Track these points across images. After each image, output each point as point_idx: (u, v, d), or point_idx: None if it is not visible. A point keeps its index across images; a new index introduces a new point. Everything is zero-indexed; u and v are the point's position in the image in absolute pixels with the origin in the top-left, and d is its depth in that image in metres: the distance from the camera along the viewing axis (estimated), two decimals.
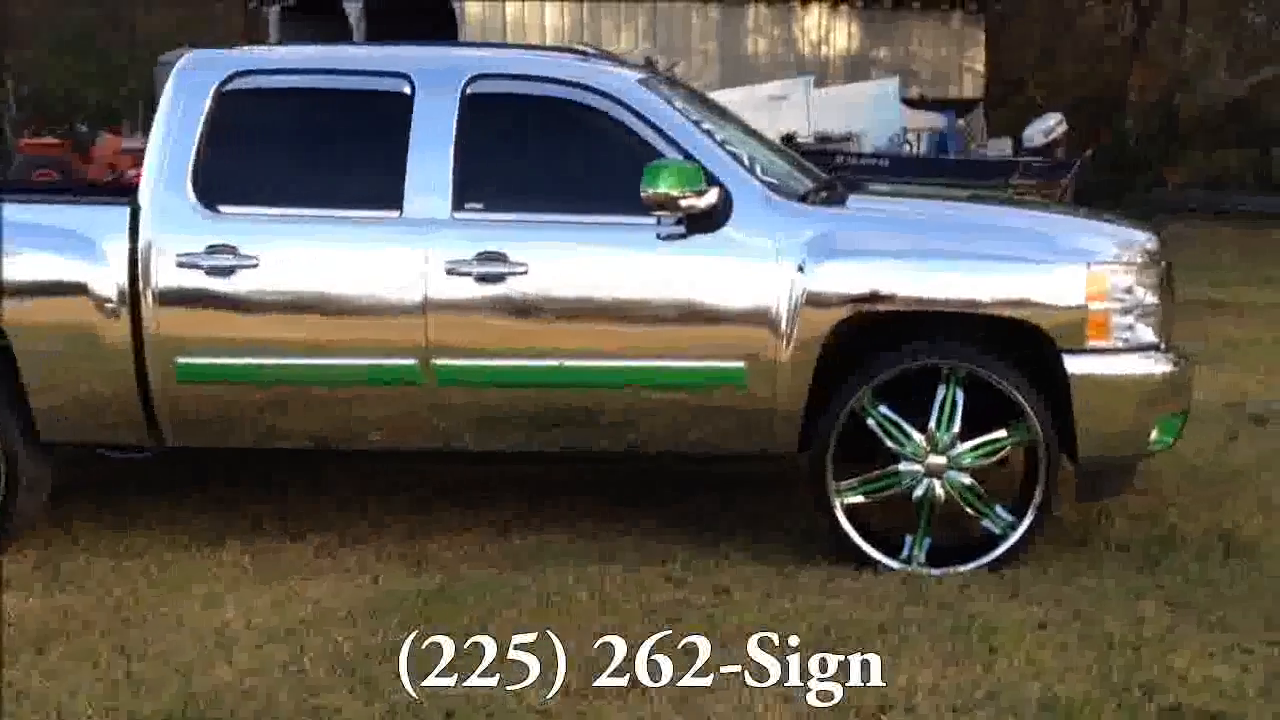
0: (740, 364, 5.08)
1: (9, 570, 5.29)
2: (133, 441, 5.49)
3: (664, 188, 4.90)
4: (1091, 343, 5.01)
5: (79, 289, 5.27)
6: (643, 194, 4.90)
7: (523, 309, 5.15)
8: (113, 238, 5.27)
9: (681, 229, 5.09)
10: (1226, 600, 4.74)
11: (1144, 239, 5.26)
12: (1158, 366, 5.10)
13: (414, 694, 4.03)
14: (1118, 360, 5.03)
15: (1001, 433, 5.10)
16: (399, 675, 4.16)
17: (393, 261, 5.20)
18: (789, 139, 18.43)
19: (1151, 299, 5.11)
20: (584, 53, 5.68)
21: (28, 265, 5.31)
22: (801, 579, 5.02)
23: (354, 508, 6.04)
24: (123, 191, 5.49)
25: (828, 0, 25.99)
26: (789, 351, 5.04)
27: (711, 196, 5.04)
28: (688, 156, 5.13)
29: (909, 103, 23.89)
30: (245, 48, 5.73)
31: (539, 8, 24.15)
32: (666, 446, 5.30)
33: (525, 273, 5.14)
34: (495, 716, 3.92)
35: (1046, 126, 20.57)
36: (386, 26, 25.93)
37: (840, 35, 26.60)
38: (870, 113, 20.95)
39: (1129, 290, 5.05)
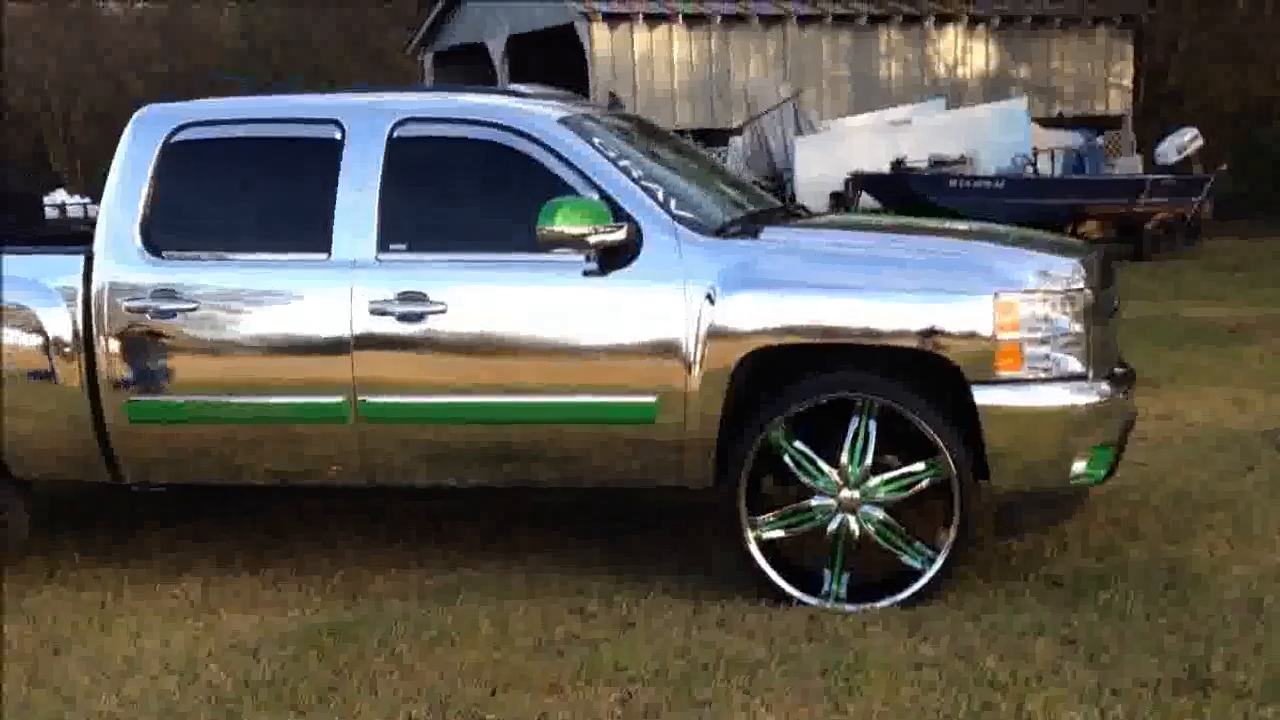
0: (651, 398, 5.08)
1: None
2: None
3: (559, 225, 4.94)
4: (1002, 373, 4.87)
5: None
6: (537, 231, 4.96)
7: (440, 347, 5.25)
8: (67, 282, 5.54)
9: (593, 265, 5.12)
10: (1131, 638, 4.54)
11: (1067, 266, 5.08)
12: (1080, 397, 4.93)
13: None
14: (1032, 391, 4.88)
15: (919, 466, 4.99)
16: (263, 712, 4.25)
17: (320, 302, 5.34)
18: (897, 164, 18.22)
19: (1075, 327, 4.94)
20: (517, 93, 5.75)
21: None
22: (712, 613, 4.97)
23: (323, 539, 6.19)
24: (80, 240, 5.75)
25: (963, 20, 25.57)
26: (698, 384, 5.03)
27: (620, 233, 5.07)
28: (602, 193, 5.17)
29: (1045, 122, 23.37)
30: (196, 101, 5.93)
31: (667, 38, 24.30)
32: (583, 480, 5.34)
33: (443, 311, 5.23)
34: None
35: (1181, 142, 19.89)
36: (525, 64, 26.51)
37: (977, 55, 26.13)
38: (996, 134, 20.53)
39: (1045, 319, 4.90)
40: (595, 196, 5.15)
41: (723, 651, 4.57)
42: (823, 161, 19.85)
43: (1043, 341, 4.90)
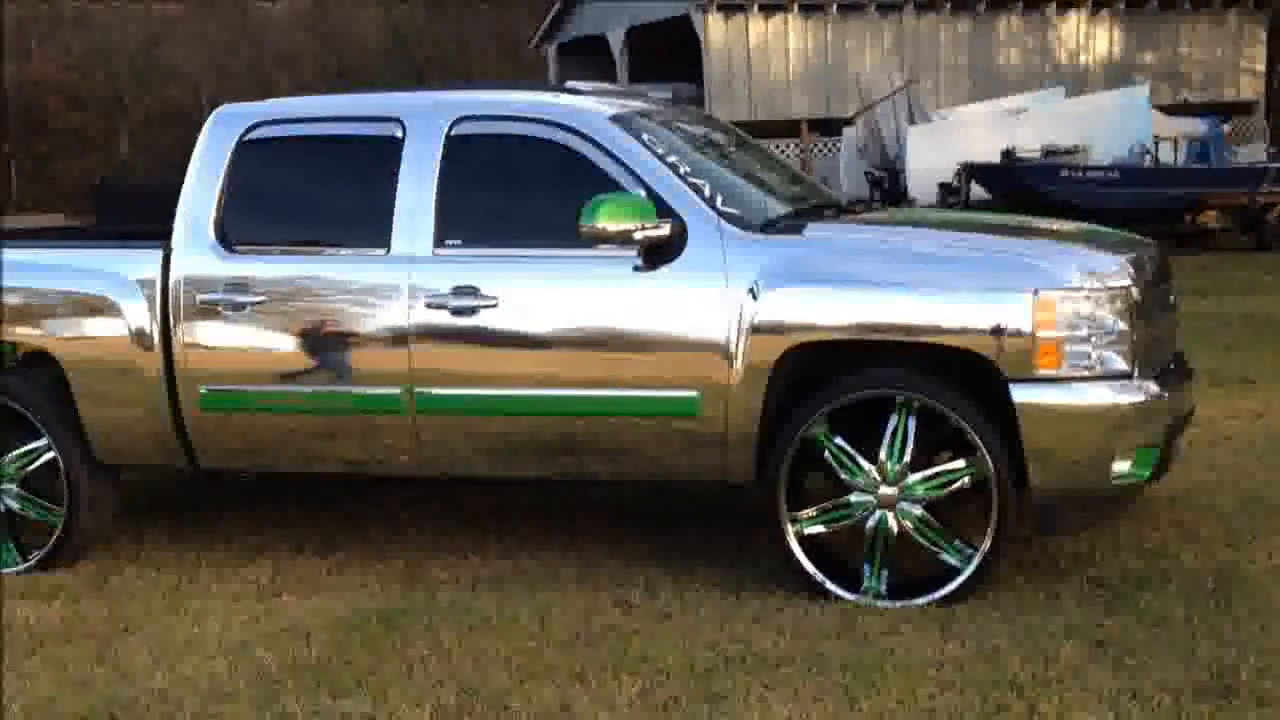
0: (694, 393, 5.16)
1: (61, 579, 5.84)
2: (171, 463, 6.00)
3: (601, 222, 5.04)
4: (1041, 371, 4.85)
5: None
6: (580, 227, 5.06)
7: (490, 340, 5.38)
8: (147, 275, 5.79)
9: (638, 260, 5.20)
10: (1164, 642, 4.50)
11: (1111, 263, 5.04)
12: (1122, 396, 4.88)
13: (298, 712, 4.28)
14: (1073, 389, 4.85)
15: (959, 464, 4.99)
16: (302, 695, 4.41)
17: (379, 296, 5.51)
18: (1007, 154, 17.98)
19: (1119, 325, 4.90)
20: (574, 90, 5.85)
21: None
22: (750, 608, 5.04)
23: (393, 526, 6.37)
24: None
25: (1087, 6, 25.08)
26: (740, 379, 5.09)
27: (664, 229, 5.15)
28: (649, 190, 5.25)
29: (1170, 109, 22.86)
30: (271, 100, 6.14)
31: (782, 28, 24.25)
32: (629, 474, 5.44)
33: (495, 305, 5.36)
34: None
35: None
36: (643, 55, 26.68)
37: (1100, 41, 25.64)
38: (1115, 122, 20.17)
39: (1087, 317, 4.86)
40: (642, 193, 5.24)
41: (751, 646, 4.64)
42: (935, 151, 19.70)
43: (1084, 340, 4.87)
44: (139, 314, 5.79)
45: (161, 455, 5.94)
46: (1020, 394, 4.84)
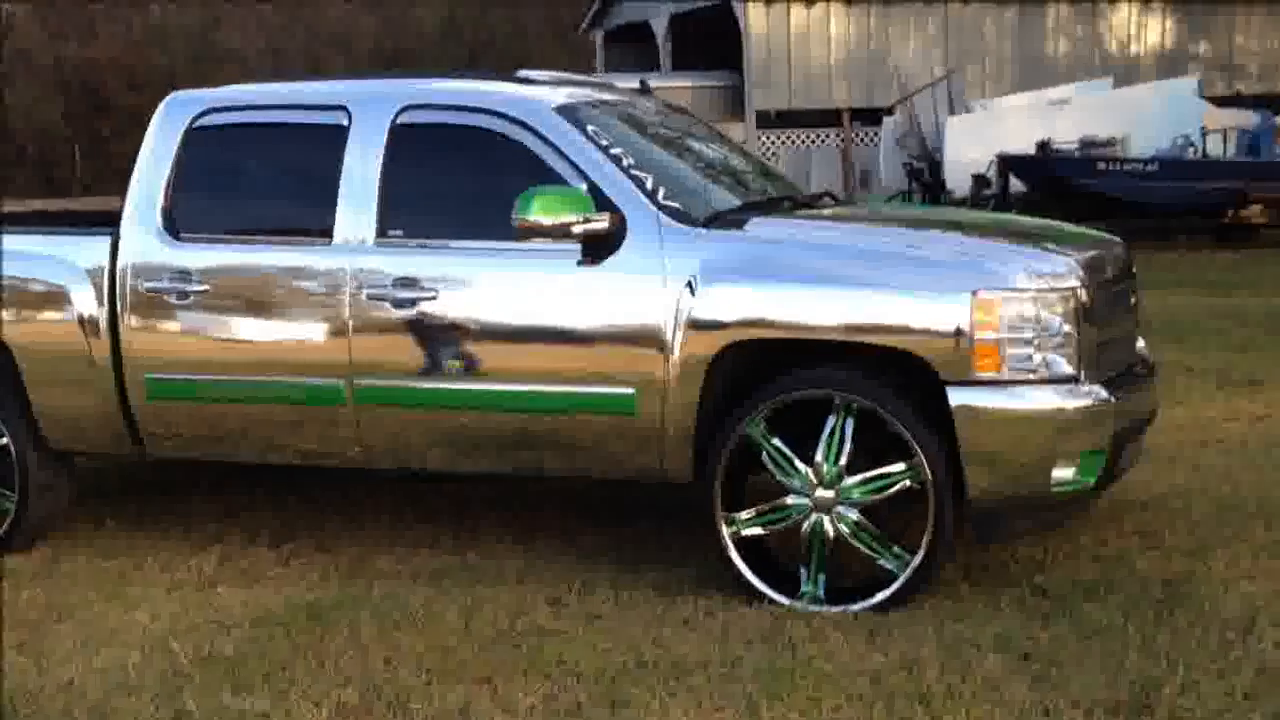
0: (631, 389, 5.05)
1: (12, 564, 5.83)
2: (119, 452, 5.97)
3: (533, 215, 4.94)
4: (979, 374, 4.69)
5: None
6: (513, 220, 4.96)
7: (428, 332, 5.29)
8: (96, 262, 5.74)
9: (578, 254, 5.10)
10: (1095, 655, 4.34)
11: (1058, 264, 4.87)
12: (1064, 400, 4.72)
13: (195, 709, 4.21)
14: (1012, 393, 4.69)
15: (896, 467, 4.84)
16: (205, 690, 4.35)
17: (320, 286, 5.43)
18: (1043, 145, 17.67)
19: (1064, 328, 4.74)
20: (527, 80, 5.74)
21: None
22: (683, 611, 4.92)
23: (351, 516, 6.32)
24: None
25: None
26: (676, 376, 4.97)
27: (602, 222, 5.04)
28: (589, 182, 5.14)
29: (1222, 100, 22.39)
30: (224, 87, 6.07)
31: (824, 16, 23.99)
32: (568, 471, 5.35)
33: (434, 298, 5.27)
34: None
35: None
36: (686, 42, 26.54)
37: (1152, 32, 25.18)
38: (1161, 114, 19.76)
39: (1030, 319, 4.70)
40: (583, 185, 5.13)
41: (671, 650, 4.53)
42: (975, 142, 19.41)
43: (1027, 342, 4.70)
44: (87, 301, 5.75)
45: (110, 443, 5.91)
46: (957, 397, 4.69)
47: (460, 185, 5.48)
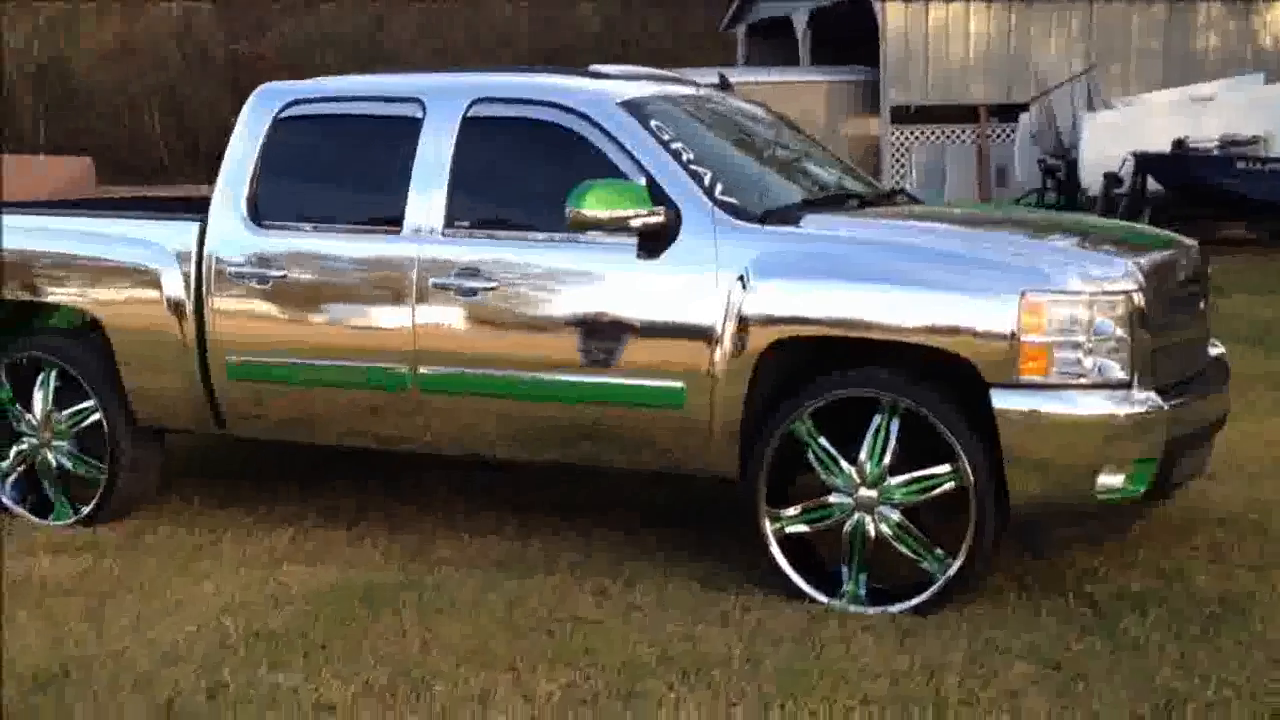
0: (681, 383, 5.08)
1: (98, 535, 6.07)
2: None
3: (586, 207, 4.99)
4: (1025, 377, 4.62)
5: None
6: (566, 213, 5.02)
7: (489, 322, 5.39)
8: (184, 247, 5.96)
9: (633, 247, 5.14)
10: (1126, 668, 4.26)
11: (1114, 267, 4.77)
12: (1112, 406, 4.62)
13: (231, 682, 4.36)
14: (1057, 397, 4.61)
15: (941, 469, 4.79)
16: (245, 665, 4.49)
17: (389, 274, 5.57)
18: (1179, 144, 17.15)
19: (1117, 332, 4.64)
20: (599, 74, 5.79)
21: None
22: (722, 606, 4.94)
23: (423, 501, 6.45)
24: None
25: None
26: (724, 371, 4.99)
27: (657, 216, 5.08)
28: (648, 176, 5.19)
29: None
30: (314, 79, 6.25)
31: (963, 12, 23.62)
32: (620, 462, 5.40)
33: (496, 288, 5.37)
34: (281, 711, 4.20)
35: None
36: (825, 37, 26.36)
37: None
38: None
39: (1081, 322, 4.62)
40: (642, 179, 5.18)
41: (699, 646, 4.55)
42: (1112, 140, 18.87)
43: (1076, 346, 4.62)
44: (175, 284, 5.97)
45: (195, 421, 6.13)
46: (1001, 399, 4.63)
47: (526, 177, 5.57)
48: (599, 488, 6.57)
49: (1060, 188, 20.17)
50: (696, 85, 6.24)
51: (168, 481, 6.68)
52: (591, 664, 4.42)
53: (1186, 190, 17.31)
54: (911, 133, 23.48)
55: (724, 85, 6.44)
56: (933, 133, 23.50)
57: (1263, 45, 24.11)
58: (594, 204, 5.00)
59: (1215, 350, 5.70)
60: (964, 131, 23.22)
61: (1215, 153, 17.08)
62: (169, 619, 4.98)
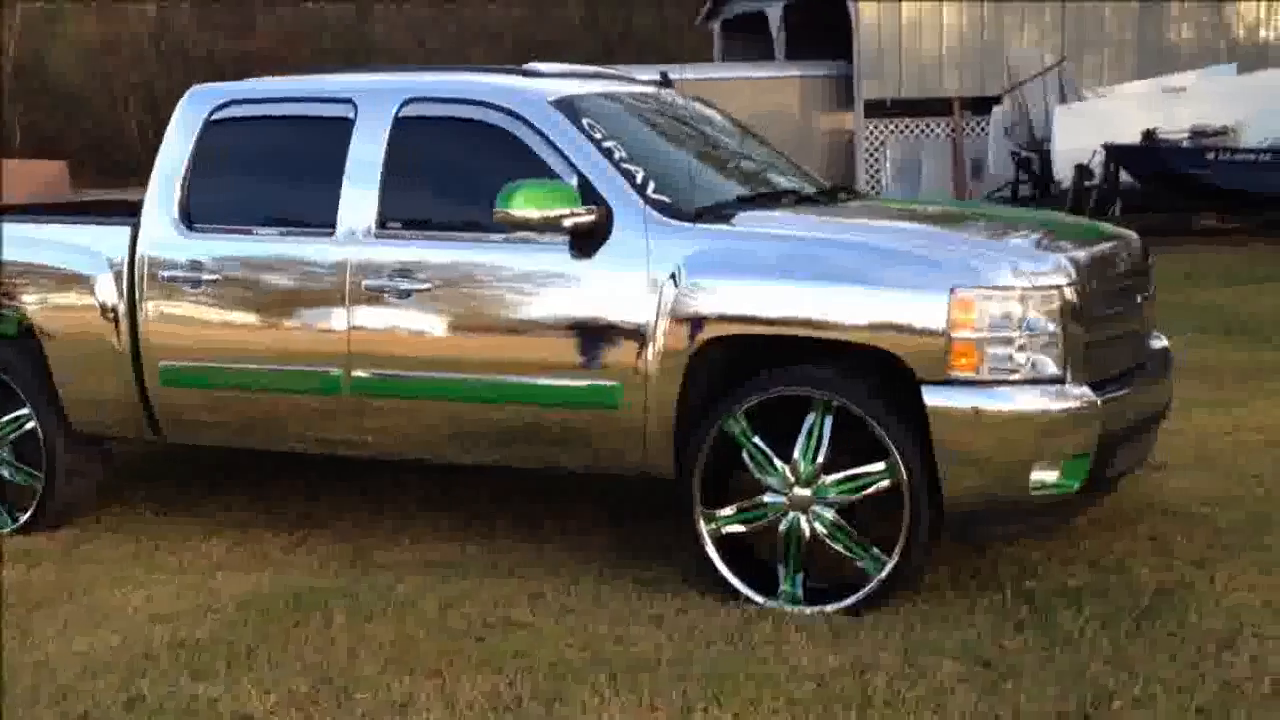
0: (615, 382, 5.02)
1: (35, 543, 6.00)
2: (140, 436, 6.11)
3: (513, 208, 4.93)
4: (956, 373, 4.57)
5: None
6: (494, 213, 4.96)
7: (422, 323, 5.32)
8: (117, 252, 5.88)
9: (570, 247, 5.08)
10: (1057, 665, 4.21)
11: (1045, 261, 4.72)
12: (1046, 401, 4.57)
13: (149, 694, 4.27)
14: (988, 393, 4.56)
15: (875, 467, 4.74)
16: (165, 676, 4.42)
17: (322, 277, 5.50)
18: (1149, 135, 17.13)
19: (1049, 327, 4.59)
20: (533, 72, 5.72)
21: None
22: (657, 608, 4.88)
23: (370, 506, 6.38)
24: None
25: None
26: (657, 370, 4.94)
27: (588, 215, 5.02)
28: (580, 175, 5.13)
29: None
30: (245, 80, 6.17)
31: (936, 8, 23.58)
32: (554, 463, 5.34)
33: (428, 289, 5.30)
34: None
35: None
36: (800, 32, 26.30)
37: None
38: None
39: (1012, 317, 4.56)
40: (574, 178, 5.12)
41: (630, 648, 4.49)
42: (1085, 131, 18.84)
43: (1007, 342, 4.57)
44: (108, 289, 5.90)
45: (130, 428, 6.05)
46: (932, 397, 4.57)
47: (459, 177, 5.50)
48: (548, 487, 6.50)
49: (1034, 180, 20.16)
50: (637, 83, 6.18)
51: (114, 488, 6.62)
52: (519, 668, 4.36)
53: (1157, 181, 17.30)
54: (886, 127, 23.44)
55: (665, 82, 6.37)
56: (907, 126, 23.46)
57: (1236, 37, 24.10)
58: (522, 204, 4.94)
59: (1159, 343, 5.65)
60: (939, 125, 23.18)
61: (1185, 143, 17.06)
62: (96, 629, 4.91)
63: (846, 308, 4.70)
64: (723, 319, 4.85)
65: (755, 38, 27.99)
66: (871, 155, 23.40)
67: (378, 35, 47.06)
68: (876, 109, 23.42)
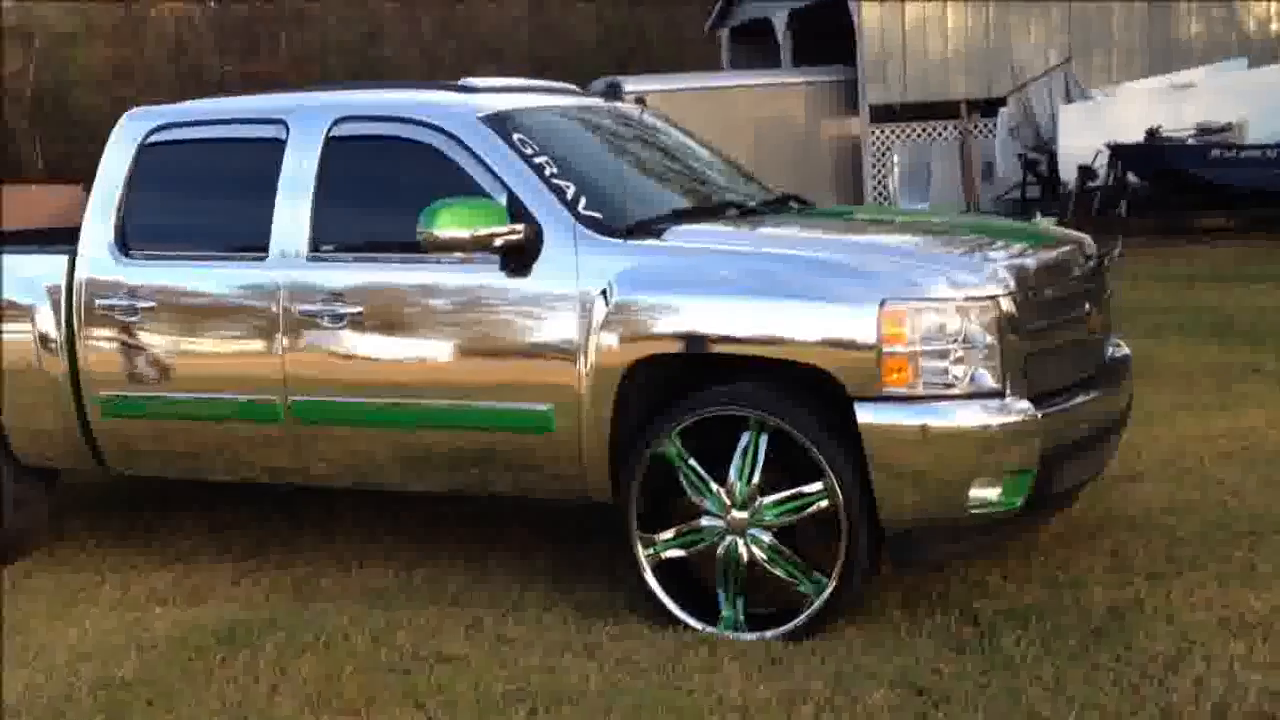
0: (549, 405, 4.89)
1: None
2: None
3: (438, 228, 4.81)
4: (890, 389, 4.41)
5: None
6: (418, 234, 4.84)
7: (356, 348, 5.21)
8: (55, 281, 5.79)
9: (502, 267, 4.96)
10: (991, 691, 4.05)
11: (981, 271, 4.56)
12: (984, 416, 4.41)
13: None
14: (922, 409, 4.40)
15: (815, 487, 4.58)
16: (80, 715, 4.32)
17: (255, 303, 5.39)
18: (1152, 133, 16.89)
19: (986, 339, 4.43)
20: (467, 88, 5.60)
21: None
22: (594, 635, 4.75)
23: (328, 532, 6.27)
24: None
25: None
26: (589, 392, 4.80)
27: (516, 234, 4.90)
28: (509, 193, 5.01)
29: None
30: (183, 103, 6.07)
31: (941, 9, 23.36)
32: (499, 489, 5.22)
33: (360, 313, 5.19)
34: None
35: None
36: (806, 39, 26.15)
37: None
38: None
39: (945, 330, 4.41)
40: (504, 195, 5.00)
41: (559, 679, 4.37)
42: (1091, 130, 18.60)
43: (942, 355, 4.41)
44: (46, 319, 5.81)
45: (74, 458, 5.96)
46: (865, 414, 4.42)
47: (390, 197, 5.37)
48: (500, 508, 6.36)
49: (1042, 182, 19.93)
50: (582, 96, 6.06)
51: (68, 517, 6.53)
52: (441, 703, 4.24)
53: (1162, 180, 17.06)
54: (893, 131, 23.23)
55: (614, 94, 6.25)
56: (914, 131, 23.25)
57: (1247, 31, 23.78)
58: (447, 223, 4.82)
59: (1118, 350, 5.47)
60: (946, 128, 22.96)
61: (1189, 141, 16.81)
62: (23, 668, 4.81)
63: (775, 323, 4.55)
64: (651, 337, 4.72)
65: (762, 45, 27.84)
66: (878, 161, 23.19)
67: (387, 55, 47.12)
68: (883, 114, 23.21)
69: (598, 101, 6.02)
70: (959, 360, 4.42)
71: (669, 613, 4.78)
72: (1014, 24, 23.34)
